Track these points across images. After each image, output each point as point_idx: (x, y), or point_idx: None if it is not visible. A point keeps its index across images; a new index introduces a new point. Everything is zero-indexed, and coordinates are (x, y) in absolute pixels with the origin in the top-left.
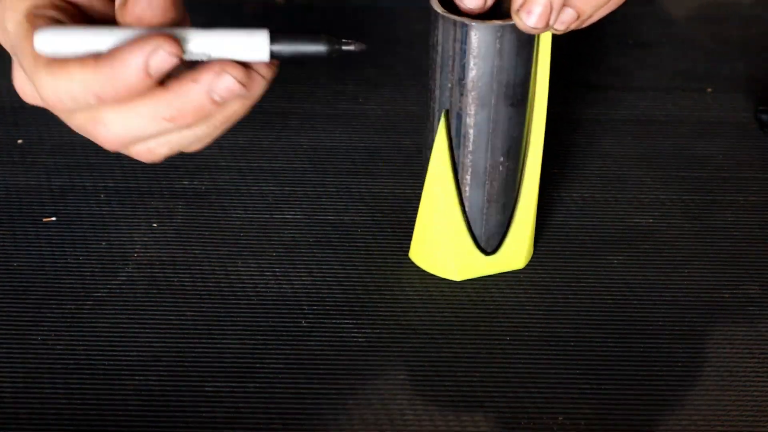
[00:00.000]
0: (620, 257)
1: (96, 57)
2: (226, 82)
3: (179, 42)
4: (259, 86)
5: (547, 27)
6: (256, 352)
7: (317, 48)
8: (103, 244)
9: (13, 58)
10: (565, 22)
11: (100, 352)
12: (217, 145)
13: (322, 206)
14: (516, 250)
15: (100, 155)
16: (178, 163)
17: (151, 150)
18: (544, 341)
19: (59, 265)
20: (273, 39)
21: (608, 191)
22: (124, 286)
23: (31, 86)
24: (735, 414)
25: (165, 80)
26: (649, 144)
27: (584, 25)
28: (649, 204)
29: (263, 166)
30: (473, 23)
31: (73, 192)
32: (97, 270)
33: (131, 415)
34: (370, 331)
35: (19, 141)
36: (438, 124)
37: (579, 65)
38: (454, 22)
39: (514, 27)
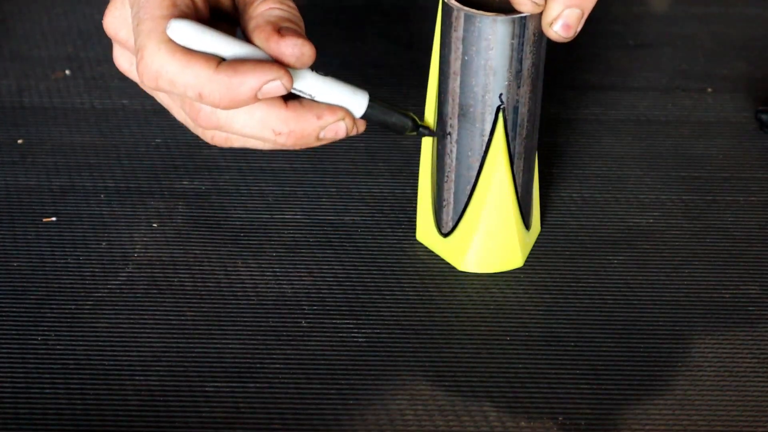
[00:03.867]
0: (620, 257)
1: (219, 62)
2: (339, 129)
3: (293, 78)
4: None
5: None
6: (256, 352)
7: (403, 123)
8: (103, 244)
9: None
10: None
11: (100, 352)
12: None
13: (322, 206)
14: (537, 217)
15: (100, 155)
16: (178, 163)
17: (229, 140)
18: (544, 341)
19: (59, 265)
20: (371, 103)
21: (608, 191)
22: (124, 286)
23: (129, 58)
24: (735, 414)
25: (285, 97)
26: (649, 144)
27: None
28: (649, 204)
29: (263, 166)
30: (525, 15)
31: (73, 192)
32: (97, 270)
33: (131, 415)
34: (370, 331)
35: (19, 141)
36: (495, 125)
37: (579, 65)
38: (513, 21)
39: None
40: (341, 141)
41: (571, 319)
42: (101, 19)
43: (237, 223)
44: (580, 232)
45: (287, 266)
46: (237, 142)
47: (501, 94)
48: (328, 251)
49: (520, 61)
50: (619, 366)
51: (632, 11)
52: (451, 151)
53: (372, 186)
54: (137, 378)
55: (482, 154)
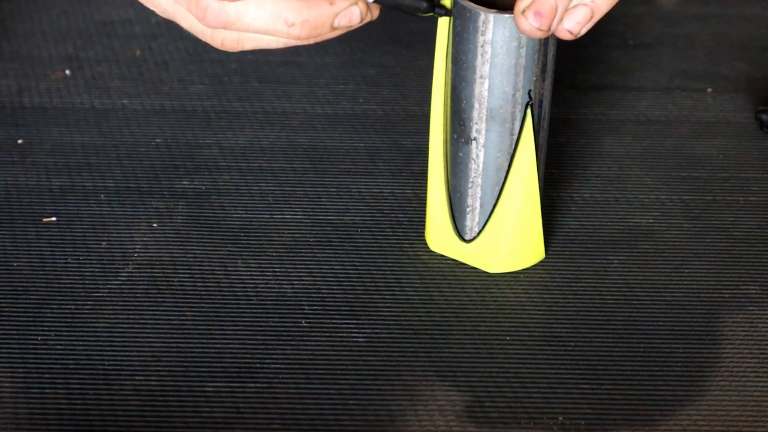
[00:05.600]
0: (620, 257)
1: None
2: (353, 14)
3: None
4: (361, 24)
5: (549, 30)
6: (256, 352)
7: (418, 4)
8: (103, 244)
9: None
10: (580, 22)
11: (100, 352)
12: (217, 145)
13: (322, 206)
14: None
15: (100, 155)
16: (178, 163)
17: (240, 41)
18: (544, 341)
19: (59, 265)
20: None
21: (608, 191)
22: (124, 286)
23: None
24: (735, 414)
25: None
26: (649, 144)
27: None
28: (649, 204)
29: (263, 166)
30: None
31: (73, 192)
32: (97, 270)
33: (131, 415)
34: (370, 331)
35: (19, 141)
36: (523, 122)
37: (579, 65)
38: None
39: None
40: (341, 141)
41: (571, 319)
42: (102, 19)
43: (237, 223)
44: (580, 232)
45: (287, 266)
46: (249, 43)
47: (530, 90)
48: (328, 251)
49: (545, 55)
50: (619, 366)
51: (632, 11)
52: (477, 156)
53: (372, 186)
54: (137, 378)
55: (511, 152)
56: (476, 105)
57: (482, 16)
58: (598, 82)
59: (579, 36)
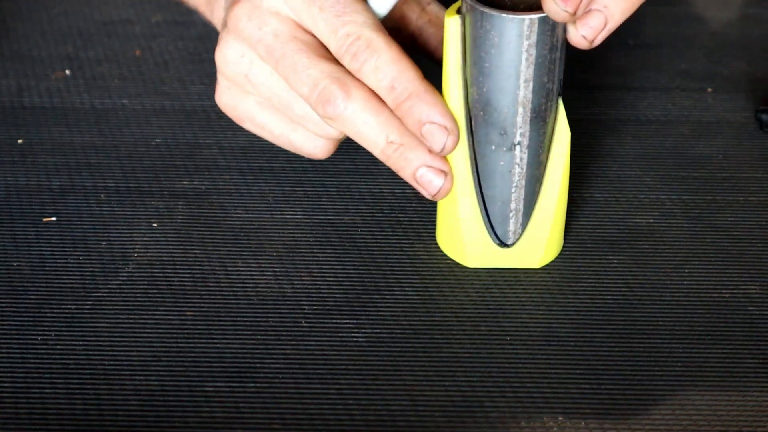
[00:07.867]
0: (620, 257)
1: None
2: (433, 180)
3: None
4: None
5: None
6: (256, 352)
7: None
8: (103, 244)
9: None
10: (594, 27)
11: (100, 352)
12: (217, 145)
13: (322, 206)
14: None
15: (100, 155)
16: (178, 163)
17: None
18: (544, 341)
19: (59, 265)
20: None
21: (608, 191)
22: (124, 286)
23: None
24: (735, 414)
25: None
26: (649, 144)
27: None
28: (649, 204)
29: (263, 166)
30: None
31: (73, 192)
32: (97, 270)
33: (131, 415)
34: (370, 331)
35: (19, 141)
36: (558, 113)
37: (579, 65)
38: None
39: None
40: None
41: (571, 319)
42: (102, 19)
43: (237, 223)
44: (580, 232)
45: (287, 266)
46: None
47: (561, 80)
48: (328, 251)
49: (565, 42)
50: (619, 366)
51: None
52: (521, 159)
53: (372, 186)
54: (137, 378)
55: (548, 145)
56: (520, 110)
57: (527, 21)
58: (598, 82)
59: (594, 45)
